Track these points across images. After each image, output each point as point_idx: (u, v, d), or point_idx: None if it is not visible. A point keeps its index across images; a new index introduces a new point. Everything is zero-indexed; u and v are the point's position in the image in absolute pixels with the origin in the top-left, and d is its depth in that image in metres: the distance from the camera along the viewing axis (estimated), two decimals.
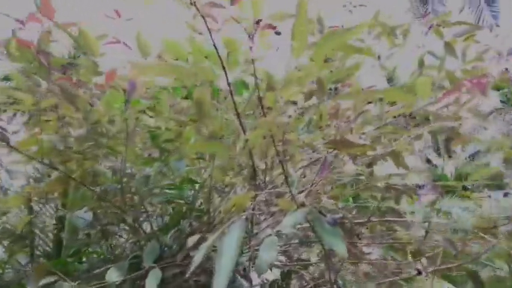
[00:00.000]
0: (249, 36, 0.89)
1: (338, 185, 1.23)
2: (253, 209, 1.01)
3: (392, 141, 1.53)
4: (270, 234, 0.83)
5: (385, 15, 1.55)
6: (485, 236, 0.92)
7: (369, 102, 1.70)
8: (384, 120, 1.63)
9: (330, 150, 1.04)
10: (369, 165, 1.67)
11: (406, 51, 1.73)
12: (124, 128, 1.22)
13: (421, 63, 1.60)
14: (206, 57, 1.07)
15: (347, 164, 1.13)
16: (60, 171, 1.24)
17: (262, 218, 1.56)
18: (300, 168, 1.56)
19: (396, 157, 1.40)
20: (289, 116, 0.98)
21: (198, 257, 0.75)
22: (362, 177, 1.26)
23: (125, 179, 1.44)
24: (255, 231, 1.27)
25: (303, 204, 1.02)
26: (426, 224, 1.28)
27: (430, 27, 1.53)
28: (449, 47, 1.54)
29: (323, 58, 1.01)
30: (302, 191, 1.39)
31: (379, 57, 1.67)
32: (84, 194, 1.45)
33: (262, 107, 0.90)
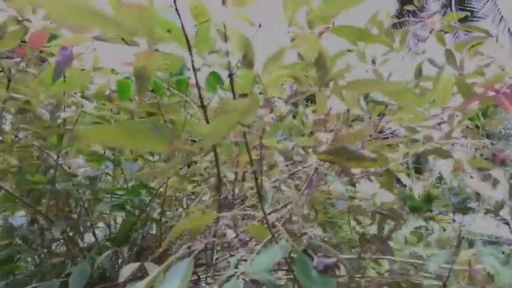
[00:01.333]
0: None
1: (320, 208, 1.01)
2: (214, 235, 0.77)
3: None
4: (233, 275, 0.59)
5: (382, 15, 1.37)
6: None
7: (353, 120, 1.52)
8: (375, 135, 1.44)
9: (321, 163, 0.82)
10: (353, 185, 1.48)
11: (399, 58, 1.56)
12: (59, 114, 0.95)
13: (418, 72, 1.43)
14: (169, 31, 0.83)
15: (335, 181, 0.91)
16: None
17: (227, 237, 1.32)
18: (274, 181, 1.34)
19: (388, 177, 1.21)
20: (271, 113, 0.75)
21: None
22: (351, 199, 1.04)
23: (60, 179, 1.16)
24: (216, 256, 1.02)
25: (277, 229, 0.79)
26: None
27: (431, 31, 1.36)
28: (449, 55, 1.38)
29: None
30: (276, 210, 1.16)
31: (373, 62, 1.48)
32: (6, 195, 1.16)
33: (232, 88, 0.66)
